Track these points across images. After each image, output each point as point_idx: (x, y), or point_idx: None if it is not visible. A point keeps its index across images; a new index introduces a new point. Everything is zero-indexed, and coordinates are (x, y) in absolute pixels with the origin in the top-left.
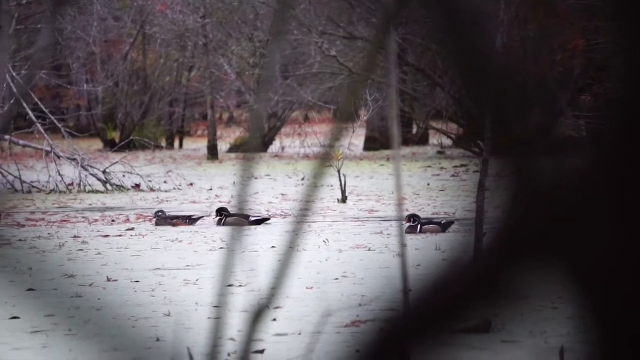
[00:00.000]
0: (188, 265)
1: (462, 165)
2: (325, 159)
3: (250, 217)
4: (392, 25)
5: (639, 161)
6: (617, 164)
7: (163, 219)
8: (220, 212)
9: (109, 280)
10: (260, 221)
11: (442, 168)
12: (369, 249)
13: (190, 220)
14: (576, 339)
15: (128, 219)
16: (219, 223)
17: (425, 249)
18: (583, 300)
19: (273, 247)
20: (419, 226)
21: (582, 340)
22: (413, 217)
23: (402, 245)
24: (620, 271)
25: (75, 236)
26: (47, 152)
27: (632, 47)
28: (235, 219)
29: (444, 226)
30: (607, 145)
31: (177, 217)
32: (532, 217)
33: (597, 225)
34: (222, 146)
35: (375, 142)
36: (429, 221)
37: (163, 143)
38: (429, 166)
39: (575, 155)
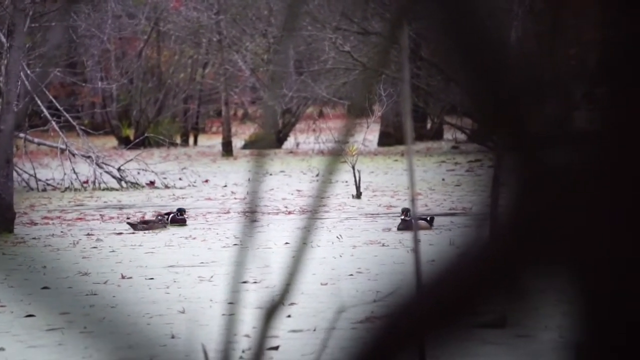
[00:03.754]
0: (202, 262)
1: (477, 160)
2: (339, 154)
3: (165, 217)
4: (406, 20)
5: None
6: (621, 158)
7: (133, 225)
8: (167, 214)
9: (123, 277)
10: (177, 220)
11: (456, 163)
12: (383, 245)
13: (162, 221)
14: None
15: (144, 217)
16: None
17: (439, 245)
18: (582, 297)
19: (287, 243)
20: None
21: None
22: (407, 211)
23: (417, 240)
24: (625, 269)
25: (89, 234)
26: (62, 150)
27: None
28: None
29: (430, 222)
30: (612, 138)
31: (147, 221)
32: (546, 211)
33: (605, 219)
34: (237, 143)
35: (390, 138)
36: (419, 217)
37: (178, 140)
38: (444, 161)
39: (588, 148)
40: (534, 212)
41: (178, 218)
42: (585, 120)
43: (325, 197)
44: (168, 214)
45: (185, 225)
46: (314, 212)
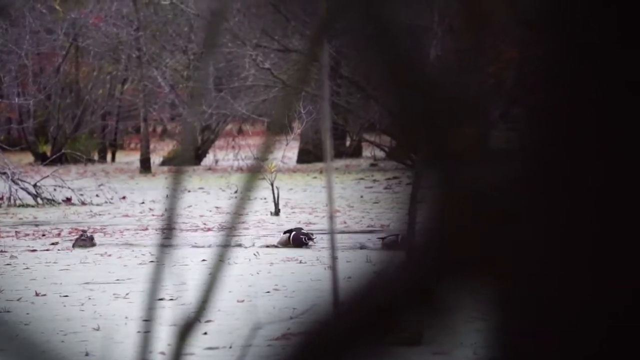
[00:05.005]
0: (118, 280)
1: (394, 178)
2: (258, 171)
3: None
4: (326, 38)
5: (562, 171)
6: (542, 175)
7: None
8: None
9: (37, 295)
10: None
11: (375, 180)
12: (301, 262)
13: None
14: None
15: (60, 234)
16: None
17: (356, 262)
18: (504, 311)
19: (203, 260)
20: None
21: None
22: (291, 231)
23: (334, 258)
24: (549, 280)
25: (2, 251)
26: None
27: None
28: None
29: (306, 240)
30: (531, 156)
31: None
32: (464, 228)
33: (527, 235)
34: (155, 159)
35: (309, 155)
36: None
37: (95, 156)
38: (362, 178)
39: (507, 167)
40: (452, 229)
41: (83, 239)
42: (503, 139)
43: (244, 214)
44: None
45: (95, 246)
46: (232, 229)
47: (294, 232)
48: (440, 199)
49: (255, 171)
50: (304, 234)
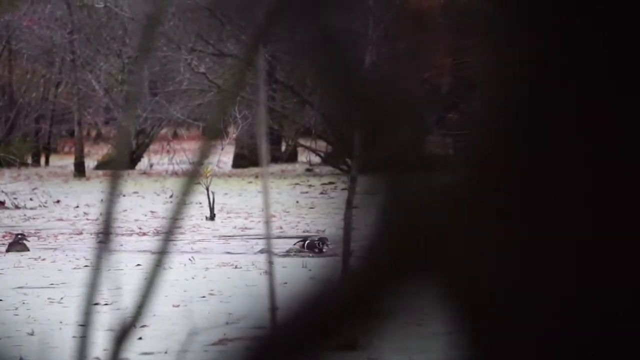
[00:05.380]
0: (52, 284)
1: (330, 183)
2: (194, 176)
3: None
4: (262, 43)
5: (500, 178)
6: (483, 180)
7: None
8: None
9: None
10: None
11: (310, 185)
12: (236, 267)
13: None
14: (440, 355)
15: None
16: None
17: (292, 267)
18: (457, 315)
19: (139, 265)
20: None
21: (446, 357)
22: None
23: (270, 263)
24: (494, 284)
25: None
26: None
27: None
28: None
29: None
30: (473, 162)
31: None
32: (404, 234)
33: (469, 241)
34: (90, 163)
35: (244, 160)
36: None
37: (29, 160)
38: (298, 184)
39: (443, 173)
40: (391, 234)
41: (18, 243)
42: (439, 145)
43: (179, 219)
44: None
45: (28, 250)
46: (167, 234)
47: (308, 240)
48: (384, 204)
49: (191, 176)
50: (319, 239)
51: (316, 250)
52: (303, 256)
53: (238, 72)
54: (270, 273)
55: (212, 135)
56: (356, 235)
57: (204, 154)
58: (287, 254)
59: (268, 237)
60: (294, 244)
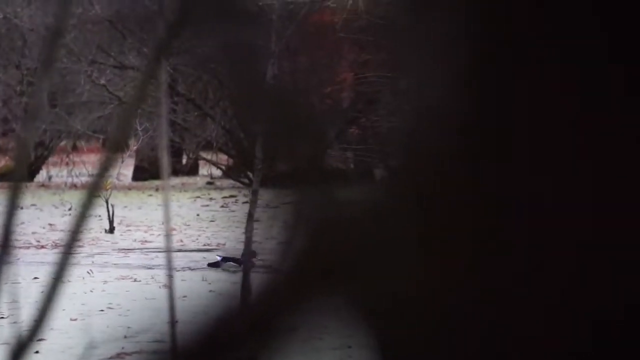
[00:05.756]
0: None
1: (231, 196)
2: (94, 188)
3: None
4: (164, 55)
5: (410, 193)
6: (393, 196)
7: None
8: None
9: None
10: None
11: (211, 199)
12: (135, 280)
13: None
14: None
15: None
16: None
17: (191, 281)
18: (368, 332)
19: (36, 278)
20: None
21: None
22: None
23: (170, 276)
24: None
25: None
26: None
27: (400, 79)
28: None
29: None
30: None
31: None
32: (309, 250)
33: (381, 258)
34: None
35: (145, 172)
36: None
37: None
38: (199, 197)
39: (343, 188)
40: (306, 249)
41: None
42: (339, 159)
43: (79, 232)
44: None
45: None
46: (66, 247)
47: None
48: (288, 219)
49: (92, 188)
50: (244, 253)
51: (241, 264)
52: (203, 269)
53: (140, 85)
54: (170, 286)
55: (114, 148)
56: (258, 249)
57: (105, 167)
58: (210, 267)
59: (169, 250)
60: (218, 259)
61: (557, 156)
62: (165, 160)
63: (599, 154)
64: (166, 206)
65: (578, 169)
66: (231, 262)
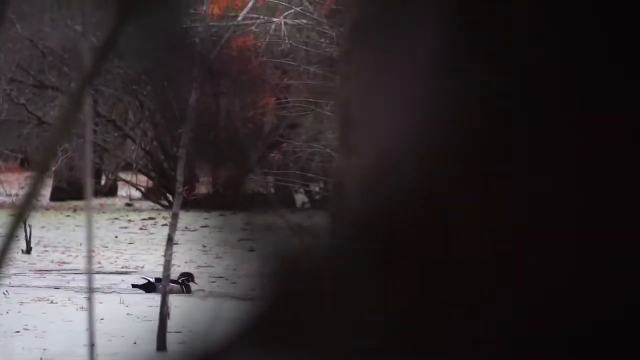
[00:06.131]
0: None
1: (150, 218)
2: (23, 209)
3: None
4: (90, 82)
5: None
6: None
7: None
8: None
9: None
10: None
11: (130, 221)
12: (52, 302)
13: None
14: None
15: None
16: None
17: (109, 303)
18: None
19: None
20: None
21: None
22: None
23: (89, 299)
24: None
25: None
26: None
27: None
28: None
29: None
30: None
31: None
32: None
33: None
34: None
35: (63, 193)
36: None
37: None
38: (117, 218)
39: (264, 212)
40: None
41: None
42: (260, 183)
43: (4, 253)
44: None
45: None
46: None
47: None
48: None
49: (21, 209)
50: (183, 275)
51: (182, 287)
52: (121, 292)
53: (67, 110)
54: (89, 309)
55: (40, 169)
56: (176, 272)
57: (34, 188)
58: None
59: (89, 272)
60: (145, 281)
61: (557, 156)
62: (89, 182)
63: (598, 154)
64: (88, 227)
65: (578, 169)
66: (175, 285)
